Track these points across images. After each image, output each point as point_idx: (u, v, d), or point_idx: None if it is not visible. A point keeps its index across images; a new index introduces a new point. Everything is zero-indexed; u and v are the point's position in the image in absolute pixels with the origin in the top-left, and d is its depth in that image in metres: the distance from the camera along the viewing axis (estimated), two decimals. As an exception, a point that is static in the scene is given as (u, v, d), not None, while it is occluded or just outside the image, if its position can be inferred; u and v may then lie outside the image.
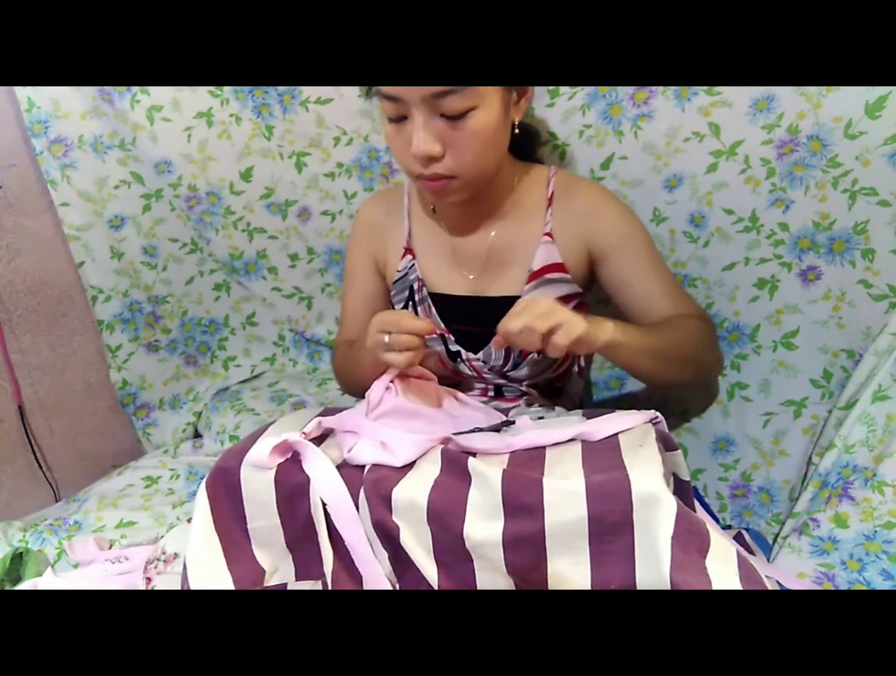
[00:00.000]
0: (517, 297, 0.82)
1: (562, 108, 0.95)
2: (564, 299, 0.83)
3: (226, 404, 1.23)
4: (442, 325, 0.86)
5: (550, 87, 0.94)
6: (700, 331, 0.81)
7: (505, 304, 0.73)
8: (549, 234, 0.82)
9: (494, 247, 0.84)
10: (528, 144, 0.90)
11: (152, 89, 1.04)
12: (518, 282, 0.83)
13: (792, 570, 0.72)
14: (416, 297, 0.88)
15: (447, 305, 0.86)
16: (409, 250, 0.89)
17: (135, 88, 1.03)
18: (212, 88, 1.05)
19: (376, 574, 0.61)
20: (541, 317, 0.65)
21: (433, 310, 0.86)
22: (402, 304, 0.89)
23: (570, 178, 0.86)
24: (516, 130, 0.76)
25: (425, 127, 0.67)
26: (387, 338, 0.69)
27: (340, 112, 1.06)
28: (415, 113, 0.67)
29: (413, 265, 0.88)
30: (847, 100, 0.79)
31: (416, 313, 0.88)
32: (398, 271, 0.90)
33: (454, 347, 0.86)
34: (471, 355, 0.85)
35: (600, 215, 0.82)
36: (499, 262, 0.84)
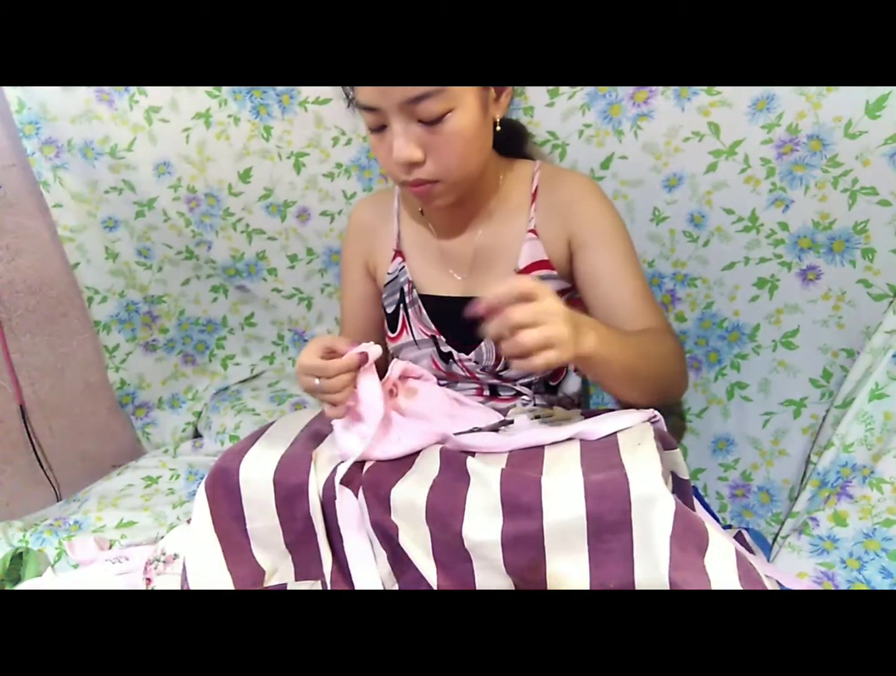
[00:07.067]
0: None
1: (562, 108, 0.95)
2: None
3: (226, 404, 1.23)
4: (433, 327, 0.86)
5: (550, 87, 0.94)
6: (675, 354, 0.75)
7: None
8: (533, 231, 0.81)
9: (481, 247, 0.84)
10: (513, 141, 0.89)
11: (150, 90, 1.03)
12: None
13: (792, 570, 0.72)
14: (407, 299, 0.88)
15: (437, 307, 0.86)
16: (398, 252, 0.89)
17: (133, 89, 1.03)
18: (209, 89, 1.04)
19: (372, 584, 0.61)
20: (543, 327, 0.56)
21: (423, 311, 0.86)
22: (393, 307, 0.90)
23: (555, 172, 0.84)
24: (498, 128, 0.76)
25: (404, 133, 0.68)
26: (317, 382, 0.66)
27: (339, 112, 1.06)
28: (392, 120, 0.67)
29: (403, 267, 0.88)
30: (847, 99, 0.79)
31: (408, 315, 0.88)
32: (388, 274, 0.90)
33: (446, 348, 0.86)
34: (462, 356, 0.85)
35: (579, 206, 0.80)
36: (486, 262, 0.84)
